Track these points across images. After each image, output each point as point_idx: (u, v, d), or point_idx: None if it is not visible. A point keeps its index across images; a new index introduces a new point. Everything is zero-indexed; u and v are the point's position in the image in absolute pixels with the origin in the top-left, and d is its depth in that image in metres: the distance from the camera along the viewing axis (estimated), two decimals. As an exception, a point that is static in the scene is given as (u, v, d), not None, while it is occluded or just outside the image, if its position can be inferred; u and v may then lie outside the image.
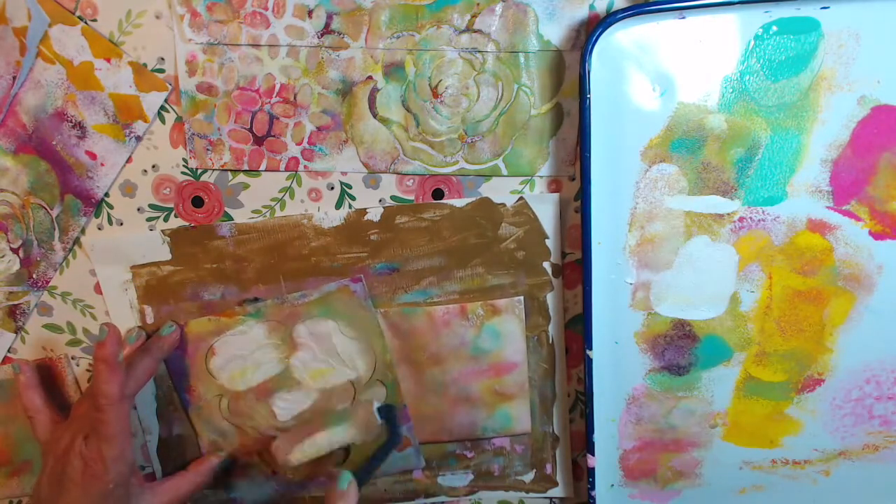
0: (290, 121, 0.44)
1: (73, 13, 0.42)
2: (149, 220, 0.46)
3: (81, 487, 0.41)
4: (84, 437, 0.42)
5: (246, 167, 0.45)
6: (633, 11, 0.38)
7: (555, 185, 0.45)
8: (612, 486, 0.50)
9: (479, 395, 0.49)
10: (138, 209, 0.46)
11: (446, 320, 0.47)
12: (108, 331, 0.41)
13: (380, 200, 0.46)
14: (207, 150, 0.44)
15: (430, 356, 0.48)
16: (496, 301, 0.47)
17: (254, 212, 0.46)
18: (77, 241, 0.47)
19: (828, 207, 0.43)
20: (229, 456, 0.50)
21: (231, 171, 0.45)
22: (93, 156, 0.45)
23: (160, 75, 0.43)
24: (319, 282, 0.47)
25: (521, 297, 0.47)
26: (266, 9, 0.41)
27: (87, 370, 0.50)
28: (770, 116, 0.41)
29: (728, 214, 0.43)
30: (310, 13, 0.41)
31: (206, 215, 0.46)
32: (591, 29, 0.40)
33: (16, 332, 0.49)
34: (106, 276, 0.47)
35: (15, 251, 0.47)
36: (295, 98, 0.43)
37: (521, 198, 0.45)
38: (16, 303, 0.48)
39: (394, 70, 0.42)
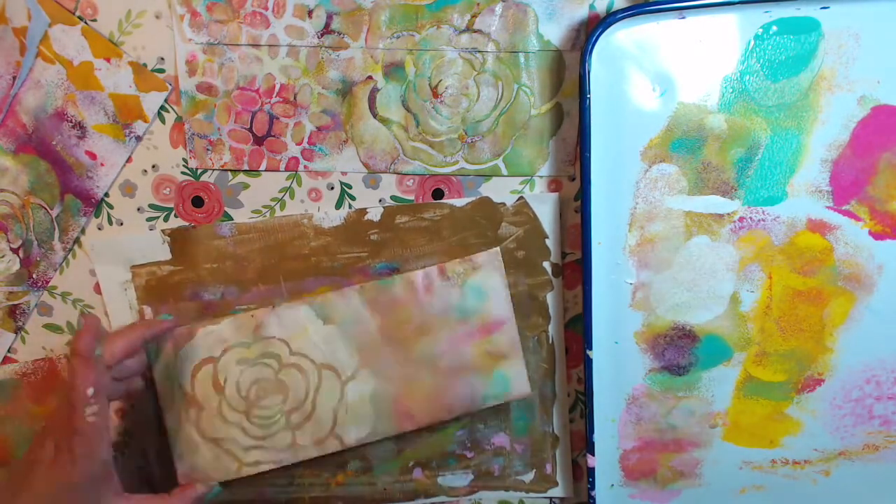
0: (290, 121, 0.44)
1: (73, 13, 0.42)
2: (149, 220, 0.46)
3: (46, 477, 0.38)
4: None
5: (246, 167, 0.45)
6: (633, 11, 0.38)
7: (555, 185, 0.45)
8: (612, 486, 0.50)
9: (473, 359, 0.47)
10: (138, 209, 0.46)
11: (426, 284, 0.46)
12: (84, 322, 0.39)
13: (380, 200, 0.46)
14: (207, 150, 0.44)
15: (415, 328, 0.46)
16: (474, 256, 0.46)
17: (254, 212, 0.46)
18: (77, 241, 0.47)
19: (828, 207, 0.43)
20: (219, 484, 0.47)
21: (231, 171, 0.45)
22: (93, 156, 0.45)
23: (160, 75, 0.43)
24: (319, 282, 0.47)
25: (498, 249, 0.46)
26: (266, 9, 0.41)
27: (87, 370, 0.50)
28: (770, 116, 0.41)
29: (728, 214, 0.43)
30: (310, 13, 0.41)
31: (206, 215, 0.46)
32: (591, 29, 0.40)
33: (16, 332, 0.49)
34: (106, 276, 0.47)
35: (15, 251, 0.47)
36: (295, 98, 0.43)
37: (521, 198, 0.45)
38: (16, 303, 0.48)
39: (394, 70, 0.42)
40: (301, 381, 0.46)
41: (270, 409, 0.46)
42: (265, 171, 0.45)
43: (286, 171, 0.45)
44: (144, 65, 0.43)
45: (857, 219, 0.43)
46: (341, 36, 0.42)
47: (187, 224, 0.46)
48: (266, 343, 0.46)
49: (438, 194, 0.45)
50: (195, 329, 0.46)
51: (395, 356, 0.47)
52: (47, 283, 0.48)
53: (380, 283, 0.46)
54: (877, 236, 0.43)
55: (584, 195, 0.42)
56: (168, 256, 0.47)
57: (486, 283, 0.46)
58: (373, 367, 0.47)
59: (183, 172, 0.45)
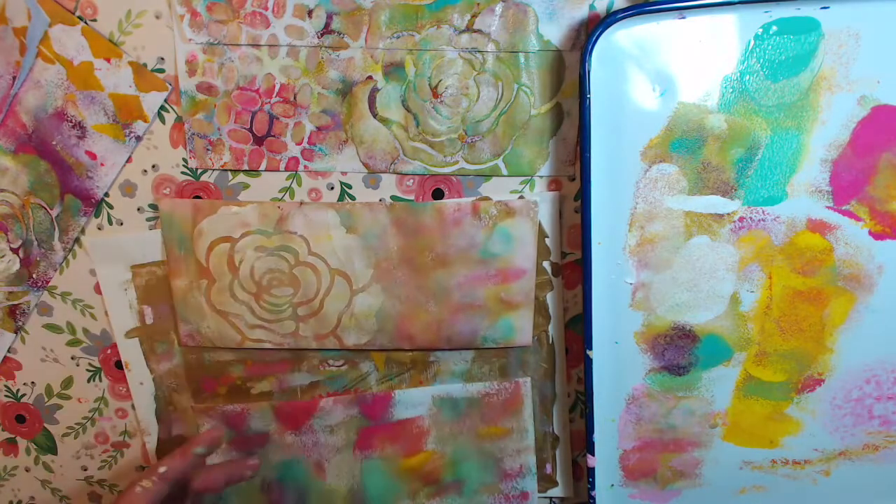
0: (290, 121, 0.44)
1: (73, 13, 0.42)
2: (149, 220, 0.46)
3: None
4: None
5: (246, 167, 0.45)
6: (633, 11, 0.38)
7: (555, 184, 0.45)
8: (612, 486, 0.50)
9: (484, 302, 0.47)
10: (138, 209, 0.46)
11: (457, 219, 0.45)
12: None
13: (380, 200, 0.46)
14: (207, 149, 0.44)
15: (435, 257, 0.46)
16: (511, 202, 0.45)
17: (254, 212, 0.46)
18: (77, 241, 0.47)
19: (828, 207, 0.43)
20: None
21: (231, 171, 0.45)
22: (93, 156, 0.45)
23: (160, 75, 0.43)
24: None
25: (537, 200, 0.45)
26: (266, 9, 0.41)
27: (87, 370, 0.50)
28: (770, 116, 0.41)
29: (728, 214, 0.43)
30: (310, 13, 0.41)
31: (206, 215, 0.46)
32: (591, 29, 0.40)
33: (16, 332, 0.49)
34: (106, 276, 0.47)
35: (15, 251, 0.47)
36: (295, 98, 0.43)
37: (521, 197, 0.45)
38: (16, 303, 0.48)
39: (394, 70, 0.42)
40: (313, 281, 0.46)
41: (280, 298, 0.47)
42: (265, 171, 0.45)
43: (286, 171, 0.45)
44: (144, 65, 0.43)
45: (857, 219, 0.43)
46: (341, 36, 0.42)
47: (187, 224, 0.46)
48: (287, 237, 0.46)
49: (438, 194, 0.45)
50: (218, 206, 0.45)
51: (409, 279, 0.46)
52: (47, 283, 0.48)
53: (411, 204, 0.45)
54: (877, 236, 0.43)
55: (584, 195, 0.42)
56: (168, 256, 0.47)
57: (515, 231, 0.45)
58: (384, 284, 0.46)
59: (183, 172, 0.45)
